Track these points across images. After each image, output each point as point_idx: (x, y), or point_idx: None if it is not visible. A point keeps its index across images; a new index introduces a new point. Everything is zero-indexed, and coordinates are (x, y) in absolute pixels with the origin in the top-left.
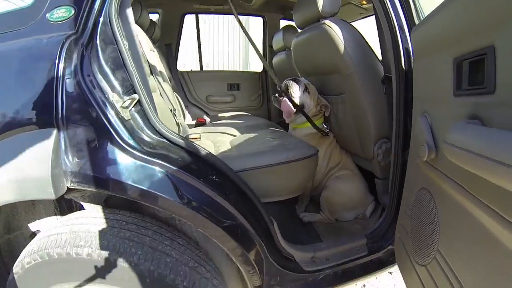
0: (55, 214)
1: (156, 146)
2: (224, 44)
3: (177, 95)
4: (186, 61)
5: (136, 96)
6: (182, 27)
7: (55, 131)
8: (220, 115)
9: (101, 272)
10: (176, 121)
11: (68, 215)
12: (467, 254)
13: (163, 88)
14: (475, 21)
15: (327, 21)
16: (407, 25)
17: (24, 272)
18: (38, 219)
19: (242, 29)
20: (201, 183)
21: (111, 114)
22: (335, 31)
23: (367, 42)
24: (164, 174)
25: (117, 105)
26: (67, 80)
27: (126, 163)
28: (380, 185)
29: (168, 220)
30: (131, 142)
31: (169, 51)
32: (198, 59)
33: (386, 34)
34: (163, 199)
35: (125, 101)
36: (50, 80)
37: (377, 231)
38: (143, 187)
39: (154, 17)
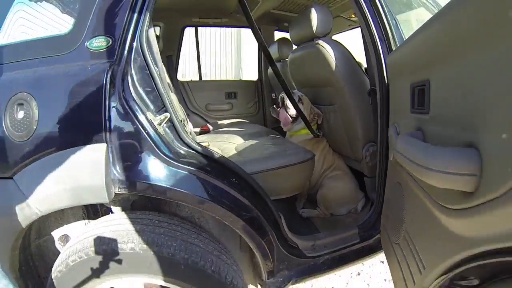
0: (83, 219)
1: (186, 156)
2: (216, 54)
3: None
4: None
5: (167, 114)
6: (182, 39)
7: (105, 146)
8: (219, 122)
9: (144, 263)
10: (187, 131)
11: (103, 217)
12: (420, 230)
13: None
14: (420, 60)
15: (320, 41)
16: (387, 50)
17: (69, 270)
18: (66, 224)
19: (258, 40)
20: (224, 184)
21: (151, 131)
22: (328, 50)
23: (355, 59)
24: (196, 178)
25: (155, 122)
26: (113, 102)
27: (164, 171)
28: (368, 182)
29: (189, 218)
30: (167, 153)
31: (170, 63)
32: (198, 70)
33: (371, 53)
34: (199, 199)
35: (160, 119)
36: (99, 103)
37: (367, 222)
38: (181, 190)
39: (156, 30)
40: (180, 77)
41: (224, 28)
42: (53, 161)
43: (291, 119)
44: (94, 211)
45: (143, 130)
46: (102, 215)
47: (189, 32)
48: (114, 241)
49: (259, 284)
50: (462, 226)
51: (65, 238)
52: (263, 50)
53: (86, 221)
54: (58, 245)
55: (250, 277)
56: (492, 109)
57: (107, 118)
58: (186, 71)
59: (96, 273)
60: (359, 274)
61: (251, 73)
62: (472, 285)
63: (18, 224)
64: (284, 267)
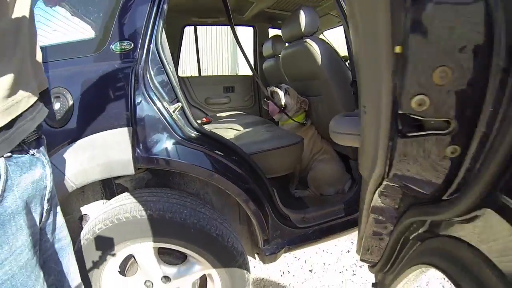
0: (101, 199)
1: (196, 138)
2: (213, 50)
3: None
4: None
5: (180, 104)
6: (182, 38)
7: (131, 129)
8: (218, 115)
9: (161, 226)
10: None
11: (123, 193)
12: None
13: None
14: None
15: (308, 40)
16: None
17: (95, 238)
18: (86, 204)
19: (236, 38)
20: (228, 161)
21: (167, 117)
22: (314, 48)
23: (339, 55)
24: (205, 155)
25: (170, 110)
26: (137, 95)
27: (179, 149)
28: (354, 164)
29: (195, 194)
30: (181, 135)
31: None
32: (197, 66)
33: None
34: (209, 173)
35: (174, 107)
36: (126, 95)
37: (351, 199)
38: (194, 164)
39: None
40: (180, 73)
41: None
42: (87, 143)
43: (278, 110)
44: (111, 192)
45: (161, 116)
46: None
47: (188, 30)
48: (134, 209)
49: (256, 253)
50: None
51: (85, 217)
52: (239, 47)
53: (104, 200)
54: (78, 223)
55: (248, 248)
56: (360, 94)
57: (132, 107)
58: (186, 67)
59: (119, 238)
60: (348, 251)
61: (247, 67)
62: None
63: None
64: (278, 236)
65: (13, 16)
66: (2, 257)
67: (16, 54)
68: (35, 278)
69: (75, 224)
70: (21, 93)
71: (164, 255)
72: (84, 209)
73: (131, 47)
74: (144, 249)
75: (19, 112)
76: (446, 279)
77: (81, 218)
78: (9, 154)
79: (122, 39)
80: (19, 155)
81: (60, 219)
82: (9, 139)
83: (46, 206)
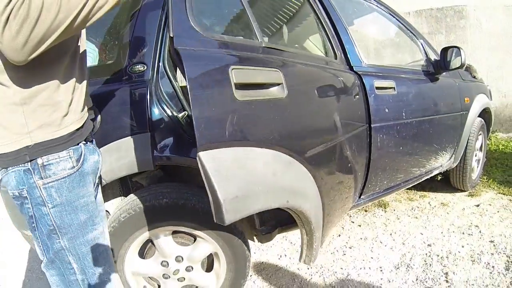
0: (120, 196)
1: None
2: None
3: None
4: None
5: (186, 112)
6: None
7: (149, 134)
8: None
9: (175, 212)
10: None
11: (142, 188)
12: None
13: None
14: None
15: None
16: None
17: (120, 225)
18: (107, 201)
19: None
20: None
21: (179, 124)
22: None
23: None
24: None
25: (179, 117)
26: (152, 107)
27: (190, 148)
28: None
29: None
30: (189, 137)
31: None
32: None
33: None
34: None
35: (182, 115)
36: (144, 107)
37: None
38: None
39: None
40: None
41: None
42: (114, 147)
43: None
44: (127, 190)
45: (172, 123)
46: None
47: None
48: (153, 199)
49: (254, 235)
50: None
51: (106, 214)
52: None
53: (122, 197)
54: None
55: (247, 231)
56: None
57: (149, 117)
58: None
59: (141, 224)
60: (339, 235)
61: None
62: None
63: None
64: (271, 217)
65: (81, 49)
66: (84, 192)
67: (83, 81)
68: (98, 211)
69: None
70: (85, 109)
71: (177, 238)
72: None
73: (145, 69)
74: (161, 233)
75: (84, 120)
76: (428, 254)
77: None
78: (84, 142)
79: (137, 63)
80: (87, 144)
81: (100, 196)
82: (81, 134)
83: (96, 180)
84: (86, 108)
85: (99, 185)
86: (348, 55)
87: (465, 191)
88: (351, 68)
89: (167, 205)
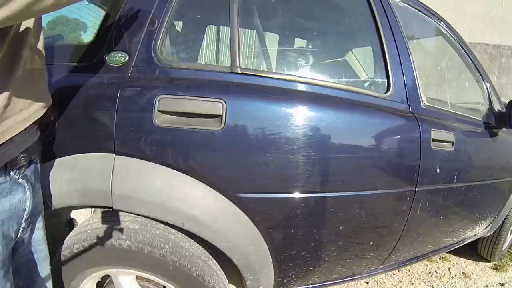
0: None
1: None
2: None
3: None
4: None
5: None
6: None
7: (114, 156)
8: None
9: (137, 259)
10: None
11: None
12: None
13: None
14: None
15: None
16: None
17: (72, 255)
18: (74, 210)
19: None
20: None
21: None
22: None
23: None
24: None
25: None
26: (123, 116)
27: None
28: None
29: None
30: None
31: None
32: None
33: None
34: None
35: None
36: (111, 116)
37: None
38: None
39: None
40: None
41: None
42: (67, 162)
43: None
44: None
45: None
46: None
47: None
48: (114, 237)
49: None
50: None
51: (73, 222)
52: None
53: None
54: (65, 226)
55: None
56: None
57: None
58: None
59: (95, 262)
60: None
61: None
62: None
63: None
64: None
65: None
66: None
67: (9, 84)
68: (5, 277)
69: (62, 227)
70: (12, 119)
71: (143, 281)
72: (73, 214)
73: (126, 59)
74: (122, 275)
75: (7, 138)
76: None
77: (68, 222)
78: (5, 169)
79: (118, 50)
80: (11, 174)
81: (40, 233)
82: (3, 155)
83: (23, 224)
84: (15, 119)
85: (33, 225)
86: (407, 89)
87: (490, 262)
88: (407, 107)
89: (129, 249)
